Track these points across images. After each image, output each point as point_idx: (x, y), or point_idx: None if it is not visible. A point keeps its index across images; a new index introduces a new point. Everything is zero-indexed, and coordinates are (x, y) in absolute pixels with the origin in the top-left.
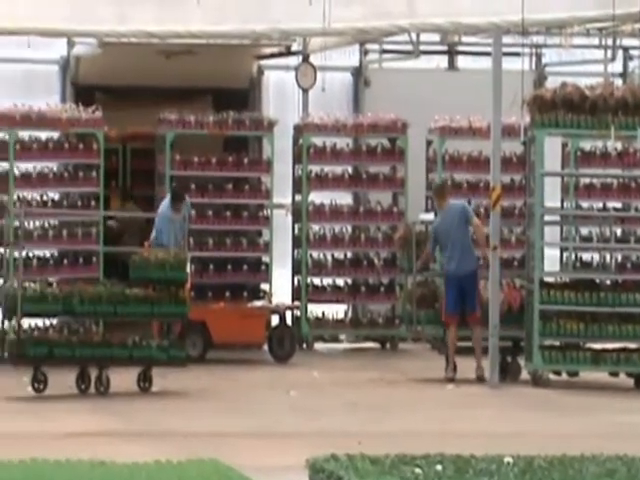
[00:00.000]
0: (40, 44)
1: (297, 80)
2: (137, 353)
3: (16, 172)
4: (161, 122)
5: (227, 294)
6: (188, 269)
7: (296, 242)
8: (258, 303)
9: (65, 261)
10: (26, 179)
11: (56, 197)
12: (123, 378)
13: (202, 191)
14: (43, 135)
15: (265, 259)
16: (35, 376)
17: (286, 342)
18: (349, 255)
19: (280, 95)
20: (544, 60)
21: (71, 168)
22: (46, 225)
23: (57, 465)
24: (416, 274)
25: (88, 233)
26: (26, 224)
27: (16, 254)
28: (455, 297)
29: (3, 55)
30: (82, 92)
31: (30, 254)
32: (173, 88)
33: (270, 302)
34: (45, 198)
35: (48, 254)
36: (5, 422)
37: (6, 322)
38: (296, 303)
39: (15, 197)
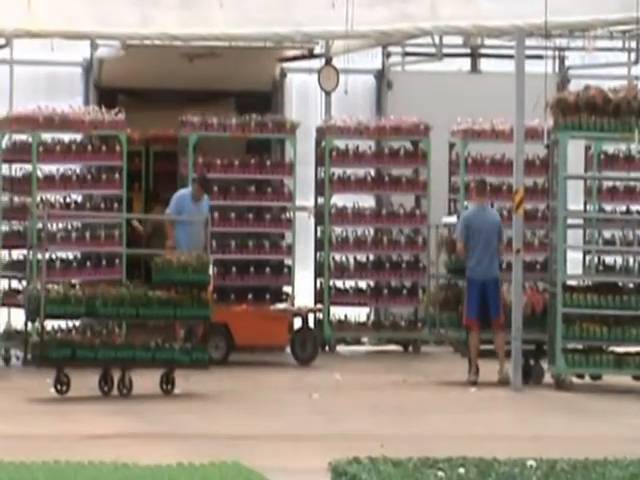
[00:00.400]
0: (63, 46)
1: (320, 83)
2: (160, 355)
3: (39, 174)
4: (184, 124)
5: (249, 296)
6: (210, 271)
7: (319, 245)
8: (281, 305)
9: (88, 263)
10: (49, 181)
11: (79, 199)
12: (146, 380)
13: (224, 193)
14: (66, 137)
15: (287, 262)
16: (58, 378)
17: (308, 345)
18: (371, 258)
19: (303, 98)
20: (567, 63)
21: (94, 170)
22: (69, 227)
23: (80, 467)
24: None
25: (111, 235)
26: (49, 226)
27: (39, 256)
28: (478, 301)
29: (26, 57)
30: (105, 94)
31: (53, 256)
32: (196, 90)
33: (292, 305)
34: (68, 200)
35: (71, 256)
36: (28, 424)
37: (29, 324)
38: (318, 306)
39: (38, 199)
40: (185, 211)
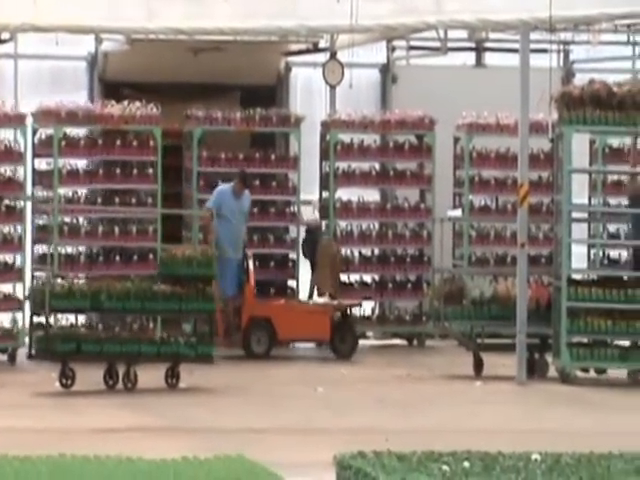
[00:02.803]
0: (68, 41)
1: (324, 77)
2: (165, 349)
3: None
4: (189, 118)
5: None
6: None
7: None
8: (321, 300)
9: (117, 258)
10: (73, 176)
11: (107, 194)
12: (151, 374)
13: None
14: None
15: (292, 256)
16: (63, 372)
17: (348, 338)
18: (376, 252)
19: (307, 92)
20: (572, 57)
21: (128, 164)
22: (91, 221)
23: (84, 461)
24: None
25: (144, 230)
26: (74, 220)
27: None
28: None
29: (31, 52)
30: (110, 88)
31: (76, 250)
32: (201, 84)
33: (332, 299)
34: (91, 194)
35: (98, 250)
36: (33, 417)
37: (35, 318)
38: (357, 300)
39: (60, 193)
40: (225, 206)
